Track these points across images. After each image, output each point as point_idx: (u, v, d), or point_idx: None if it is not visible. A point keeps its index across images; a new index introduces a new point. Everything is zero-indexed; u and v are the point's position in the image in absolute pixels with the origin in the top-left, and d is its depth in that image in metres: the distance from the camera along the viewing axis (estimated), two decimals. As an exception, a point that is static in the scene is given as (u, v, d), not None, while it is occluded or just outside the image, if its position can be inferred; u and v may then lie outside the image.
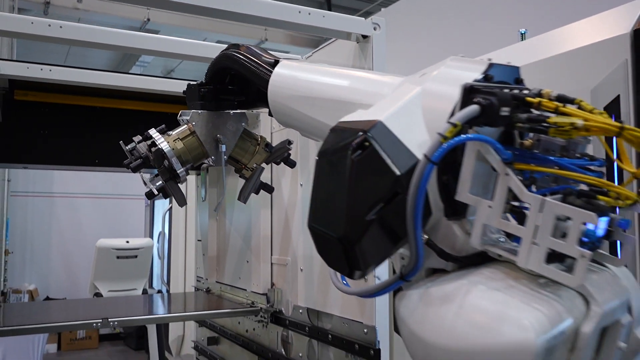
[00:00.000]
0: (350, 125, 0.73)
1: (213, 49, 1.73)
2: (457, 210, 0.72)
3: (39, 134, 2.32)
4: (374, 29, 1.56)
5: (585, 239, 0.64)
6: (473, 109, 0.63)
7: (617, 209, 0.70)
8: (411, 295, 0.71)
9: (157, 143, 1.20)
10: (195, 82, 1.26)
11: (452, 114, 0.68)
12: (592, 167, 0.73)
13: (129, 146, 1.25)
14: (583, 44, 1.77)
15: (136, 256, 4.64)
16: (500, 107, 0.63)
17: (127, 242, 4.66)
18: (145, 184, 1.25)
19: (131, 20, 5.82)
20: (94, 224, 7.46)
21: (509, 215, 0.70)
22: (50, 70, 2.00)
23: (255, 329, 2.22)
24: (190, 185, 3.26)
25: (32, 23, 1.53)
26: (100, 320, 1.83)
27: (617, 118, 1.64)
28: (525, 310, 0.60)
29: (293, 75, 1.04)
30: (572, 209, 0.60)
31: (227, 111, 1.28)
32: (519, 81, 0.77)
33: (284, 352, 2.00)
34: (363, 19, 1.56)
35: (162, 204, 5.34)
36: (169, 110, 2.28)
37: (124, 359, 6.46)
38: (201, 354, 2.82)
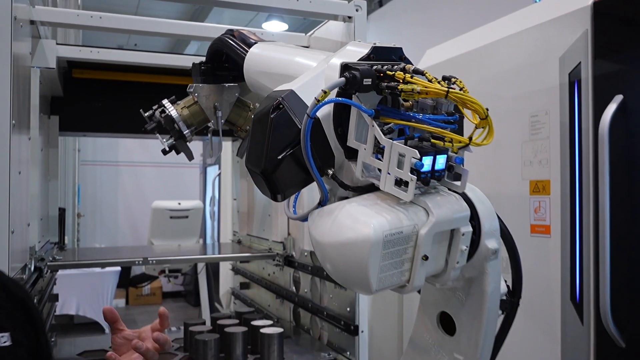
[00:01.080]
0: (275, 94, 1.02)
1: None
2: (351, 153, 1.01)
3: (94, 106, 2.72)
4: (356, 10, 1.82)
5: (426, 169, 0.91)
6: (339, 80, 0.90)
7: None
8: (314, 213, 1.01)
9: (167, 110, 1.53)
10: (198, 62, 1.57)
11: (340, 84, 0.97)
12: (451, 120, 1.00)
13: (148, 113, 1.58)
14: (552, 17, 1.96)
15: (187, 216, 5.10)
16: (362, 79, 0.91)
17: (179, 203, 5.11)
18: (161, 143, 1.59)
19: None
20: (155, 189, 8.05)
21: (380, 155, 0.98)
22: (98, 52, 2.37)
23: (275, 272, 2.57)
24: (228, 150, 3.61)
25: (77, 15, 1.88)
26: (142, 259, 2.22)
27: (579, 83, 1.84)
28: (373, 216, 0.89)
29: (260, 54, 1.33)
30: (404, 148, 0.88)
31: (223, 84, 1.59)
32: (402, 58, 1.04)
33: (294, 290, 2.34)
34: (346, 2, 1.82)
35: (213, 171, 5.78)
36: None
37: (183, 314, 7.06)
38: (236, 298, 3.22)
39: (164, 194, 7.50)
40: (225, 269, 3.43)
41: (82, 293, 5.67)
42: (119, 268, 5.84)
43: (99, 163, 8.08)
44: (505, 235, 1.10)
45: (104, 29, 1.90)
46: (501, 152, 2.17)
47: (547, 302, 1.94)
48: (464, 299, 1.09)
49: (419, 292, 1.17)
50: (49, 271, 2.12)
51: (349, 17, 1.83)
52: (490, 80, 2.24)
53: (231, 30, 1.54)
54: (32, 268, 1.93)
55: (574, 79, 1.87)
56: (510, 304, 1.13)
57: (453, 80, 0.96)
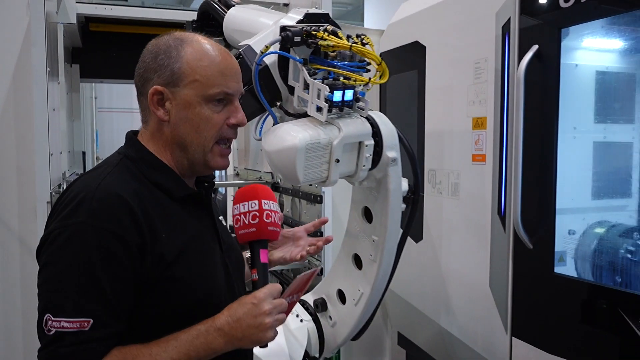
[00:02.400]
0: (239, 47, 1.43)
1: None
2: (291, 90, 1.42)
3: (109, 56, 3.13)
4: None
5: (338, 100, 1.33)
6: (277, 38, 1.31)
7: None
8: (266, 132, 1.43)
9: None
10: (190, 20, 1.97)
11: (282, 40, 1.37)
12: (363, 66, 1.40)
13: None
14: (490, -23, 2.31)
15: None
16: (293, 37, 1.31)
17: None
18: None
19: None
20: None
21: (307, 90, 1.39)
22: (111, 9, 2.77)
23: (265, 198, 3.02)
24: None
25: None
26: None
27: (509, 35, 2.21)
28: (300, 132, 1.31)
29: (235, 14, 1.73)
30: (320, 84, 1.29)
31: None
32: (329, 21, 1.43)
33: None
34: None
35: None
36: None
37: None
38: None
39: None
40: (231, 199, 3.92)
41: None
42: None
43: (115, 110, 8.53)
44: (407, 149, 1.52)
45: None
46: (452, 94, 2.56)
47: (481, 215, 2.38)
48: (377, 195, 1.53)
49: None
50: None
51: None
52: (445, 31, 2.62)
53: (216, -7, 1.93)
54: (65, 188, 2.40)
55: (505, 32, 2.24)
56: (411, 199, 1.56)
57: (362, 37, 1.37)
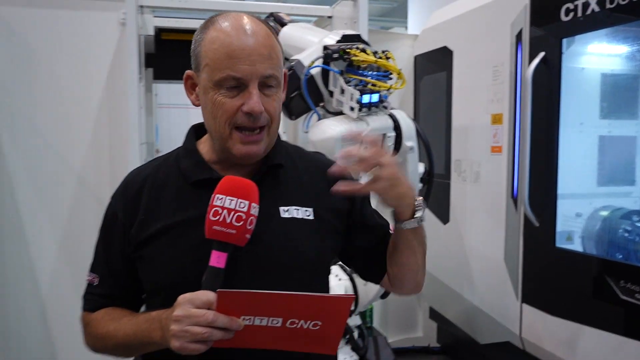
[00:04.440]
0: (290, 61, 1.86)
1: None
2: (331, 94, 1.84)
3: (177, 61, 3.62)
4: (360, -7, 2.60)
5: (367, 102, 1.73)
6: (319, 55, 1.73)
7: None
8: (312, 126, 1.86)
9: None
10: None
11: (325, 56, 1.79)
12: (387, 75, 1.80)
13: None
14: (506, -7, 2.66)
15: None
16: (332, 54, 1.73)
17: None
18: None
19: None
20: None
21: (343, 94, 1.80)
22: (182, 21, 3.25)
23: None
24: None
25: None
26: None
27: (522, 43, 2.56)
28: (337, 126, 1.73)
29: (287, 32, 2.15)
30: (352, 90, 1.71)
31: None
32: (361, 40, 1.84)
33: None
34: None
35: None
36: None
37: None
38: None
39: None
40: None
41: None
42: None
43: (173, 106, 9.17)
44: (423, 139, 1.92)
45: (188, 10, 2.77)
46: (474, 93, 2.93)
47: (498, 199, 2.74)
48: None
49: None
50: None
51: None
52: (469, 38, 2.98)
53: (272, 14, 2.36)
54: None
55: (518, 40, 2.59)
56: (427, 179, 1.96)
57: (387, 53, 1.77)
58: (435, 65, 3.35)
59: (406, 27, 6.34)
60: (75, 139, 2.80)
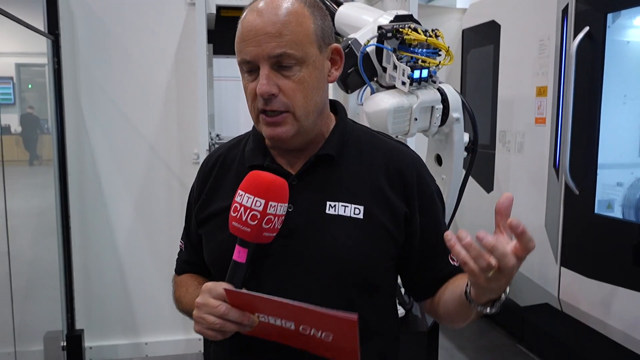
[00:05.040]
0: (348, 39, 2.04)
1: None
2: (384, 69, 2.02)
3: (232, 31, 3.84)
4: (411, -28, 2.73)
5: (417, 77, 1.91)
6: (374, 34, 1.90)
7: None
8: (366, 99, 2.04)
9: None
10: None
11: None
12: (436, 52, 1.97)
13: None
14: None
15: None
16: (386, 33, 1.90)
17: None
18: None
19: None
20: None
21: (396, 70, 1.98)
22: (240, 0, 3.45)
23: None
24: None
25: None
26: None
27: (567, 18, 2.66)
28: (390, 99, 1.91)
29: (343, 12, 2.32)
30: (404, 66, 1.88)
31: None
32: (413, 19, 2.00)
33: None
34: (405, -34, 2.73)
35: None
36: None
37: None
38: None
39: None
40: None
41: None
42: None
43: (223, 78, 9.47)
44: (468, 111, 2.08)
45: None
46: (520, 66, 3.04)
47: (540, 168, 2.87)
48: (445, 145, 2.11)
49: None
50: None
51: (407, -24, 2.75)
52: (517, 12, 3.08)
53: (331, -7, 2.53)
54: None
55: (564, 15, 2.68)
56: (471, 148, 2.12)
57: (436, 31, 1.93)
58: (483, 38, 3.45)
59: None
60: (147, 110, 3.07)
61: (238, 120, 9.52)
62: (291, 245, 1.03)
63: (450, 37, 3.63)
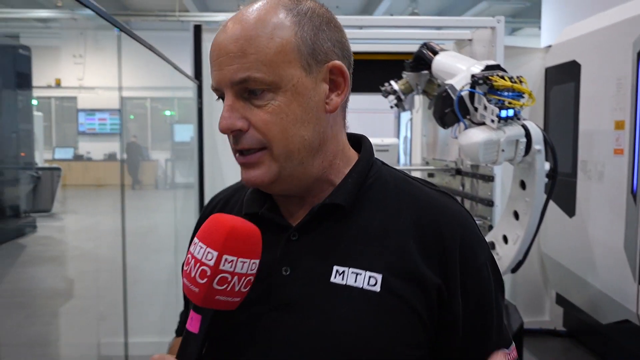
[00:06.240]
0: (445, 85, 2.48)
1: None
2: (476, 109, 2.44)
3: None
4: (497, 22, 3.15)
5: (504, 116, 2.31)
6: (468, 81, 2.33)
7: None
8: (461, 134, 2.46)
9: (393, 85, 3.06)
10: (408, 61, 3.05)
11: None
12: (520, 95, 2.36)
13: (384, 87, 3.12)
14: (631, 15, 3.06)
15: (387, 150, 6.71)
16: (478, 80, 2.33)
17: (382, 140, 6.74)
18: (389, 102, 3.14)
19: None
20: (355, 129, 9.87)
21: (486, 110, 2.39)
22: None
23: (449, 181, 4.02)
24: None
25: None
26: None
27: (642, 59, 2.97)
28: (481, 134, 2.33)
29: (439, 60, 2.77)
30: (492, 107, 2.29)
31: (421, 72, 3.04)
32: (500, 68, 2.41)
33: (462, 189, 3.79)
34: (491, 17, 3.15)
35: (405, 116, 7.30)
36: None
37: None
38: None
39: (366, 134, 9.25)
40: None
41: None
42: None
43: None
44: (548, 144, 2.45)
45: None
46: (599, 102, 3.35)
47: (619, 195, 3.15)
48: (528, 172, 2.49)
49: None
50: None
51: (492, 28, 3.17)
52: (596, 54, 3.41)
53: (425, 43, 2.99)
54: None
55: (639, 57, 2.99)
56: (551, 175, 2.48)
57: (520, 77, 2.34)
58: (565, 76, 3.78)
59: (539, 27, 6.61)
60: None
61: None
62: (284, 322, 0.80)
63: (534, 74, 3.98)
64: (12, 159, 8.03)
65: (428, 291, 0.80)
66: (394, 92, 3.11)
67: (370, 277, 0.80)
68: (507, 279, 3.23)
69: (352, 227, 0.84)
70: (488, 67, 2.40)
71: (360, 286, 0.80)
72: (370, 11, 13.32)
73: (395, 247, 0.82)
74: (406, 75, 3.11)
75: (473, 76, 2.35)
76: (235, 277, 0.75)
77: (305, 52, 0.80)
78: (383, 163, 0.94)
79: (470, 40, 3.49)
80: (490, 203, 3.19)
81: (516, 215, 2.64)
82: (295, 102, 0.80)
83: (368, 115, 10.25)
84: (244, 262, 0.75)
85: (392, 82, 3.13)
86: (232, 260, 0.74)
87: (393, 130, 8.99)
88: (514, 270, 2.80)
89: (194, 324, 0.77)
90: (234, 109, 0.80)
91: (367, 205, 0.86)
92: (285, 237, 0.84)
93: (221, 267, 0.74)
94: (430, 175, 4.38)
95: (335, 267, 0.81)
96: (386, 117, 9.70)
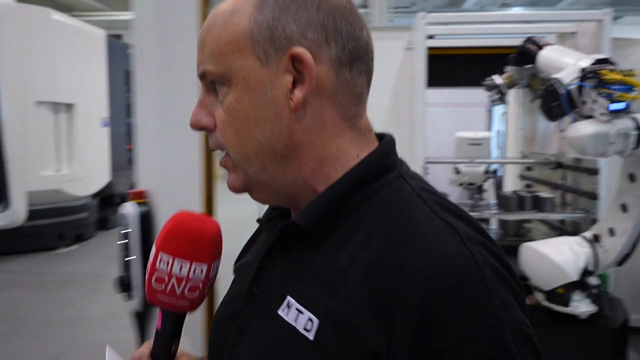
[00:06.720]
0: (551, 78, 2.54)
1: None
2: (584, 102, 2.47)
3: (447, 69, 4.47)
4: (604, 14, 3.13)
5: (614, 109, 2.34)
6: (576, 75, 2.37)
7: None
8: (570, 126, 2.50)
9: (495, 80, 3.13)
10: (512, 55, 3.10)
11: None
12: (630, 88, 2.38)
13: (486, 81, 3.19)
14: None
15: (481, 144, 6.68)
16: (588, 74, 2.37)
17: (475, 134, 6.71)
18: (490, 96, 3.21)
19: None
20: (449, 125, 9.87)
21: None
22: (447, 41, 4.06)
23: (548, 174, 4.01)
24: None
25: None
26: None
27: None
28: (590, 127, 2.36)
29: (545, 54, 2.80)
30: (602, 100, 2.33)
31: (524, 66, 3.08)
32: (609, 62, 2.43)
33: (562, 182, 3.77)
34: (597, 10, 3.14)
35: (497, 109, 7.23)
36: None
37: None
38: (521, 195, 4.73)
39: (453, 127, 9.25)
40: (511, 176, 4.97)
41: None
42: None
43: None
44: (660, 136, 2.44)
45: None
46: None
47: None
48: (638, 164, 2.50)
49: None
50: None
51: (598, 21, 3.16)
52: None
53: (529, 38, 3.03)
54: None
55: None
56: (661, 169, 2.48)
57: (631, 72, 2.36)
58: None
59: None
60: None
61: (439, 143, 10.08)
62: (236, 347, 0.75)
63: (640, 66, 3.89)
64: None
65: (360, 353, 0.60)
66: (496, 86, 3.18)
67: (309, 319, 0.65)
68: (611, 272, 3.21)
69: (318, 255, 0.70)
70: (598, 61, 2.44)
71: (297, 327, 0.66)
72: (459, 4, 13.16)
73: (347, 289, 0.64)
74: (510, 69, 3.17)
75: (583, 70, 2.40)
76: (173, 279, 0.70)
77: (261, 40, 0.68)
78: (408, 173, 0.76)
79: (573, 33, 3.48)
80: (593, 196, 3.20)
81: (624, 207, 2.64)
82: (247, 98, 0.69)
83: (457, 109, 10.20)
84: (182, 264, 0.69)
85: (495, 77, 3.20)
86: (167, 260, 0.69)
87: (484, 124, 8.92)
88: (621, 263, 2.80)
89: (158, 320, 0.75)
90: (203, 104, 0.74)
91: (344, 228, 0.69)
92: (267, 251, 0.76)
93: (157, 265, 0.70)
94: (529, 168, 4.39)
95: (288, 298, 0.69)
96: (475, 111, 9.61)
